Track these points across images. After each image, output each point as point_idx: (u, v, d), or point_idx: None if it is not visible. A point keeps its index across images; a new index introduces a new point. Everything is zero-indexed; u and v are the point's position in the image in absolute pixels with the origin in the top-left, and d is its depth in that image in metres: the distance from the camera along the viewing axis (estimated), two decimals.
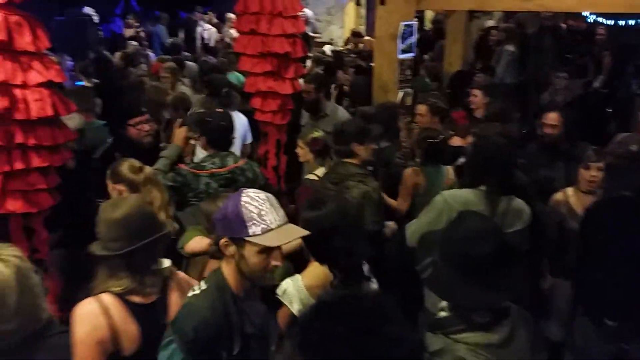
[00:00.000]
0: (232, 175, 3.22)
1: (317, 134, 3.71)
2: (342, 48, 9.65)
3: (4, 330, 1.64)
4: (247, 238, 1.75)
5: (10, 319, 1.64)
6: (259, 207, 1.76)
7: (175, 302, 2.02)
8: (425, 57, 7.73)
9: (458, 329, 1.71)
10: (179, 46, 9.35)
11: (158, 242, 2.05)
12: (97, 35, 10.32)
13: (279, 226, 1.77)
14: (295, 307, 2.20)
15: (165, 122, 4.84)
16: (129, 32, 10.59)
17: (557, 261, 3.43)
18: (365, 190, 3.18)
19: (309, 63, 7.20)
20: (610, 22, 8.97)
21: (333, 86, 5.95)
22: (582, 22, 8.87)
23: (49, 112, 2.67)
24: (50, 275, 2.93)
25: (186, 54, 8.73)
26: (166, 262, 2.12)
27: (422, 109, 4.29)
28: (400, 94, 5.44)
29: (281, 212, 1.81)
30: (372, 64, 6.19)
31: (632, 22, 8.78)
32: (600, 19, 9.21)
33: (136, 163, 2.79)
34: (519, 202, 2.86)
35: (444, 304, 1.83)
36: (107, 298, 1.94)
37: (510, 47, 7.40)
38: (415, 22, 5.33)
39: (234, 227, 1.77)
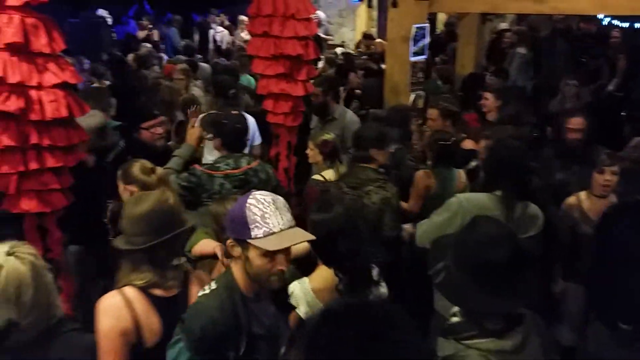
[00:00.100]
0: (245, 176, 3.22)
1: (328, 136, 3.73)
2: (353, 50, 9.66)
3: (20, 324, 1.68)
4: (249, 240, 1.76)
5: (27, 314, 1.69)
6: (263, 210, 1.76)
7: (195, 295, 2.03)
8: (437, 59, 7.70)
9: (470, 335, 1.68)
10: (192, 48, 9.40)
11: (179, 237, 2.09)
12: (111, 37, 10.42)
13: (282, 230, 1.76)
14: (302, 310, 2.20)
15: (177, 123, 4.88)
16: (142, 34, 10.67)
17: (569, 265, 3.40)
18: (385, 197, 3.18)
19: (321, 64, 7.22)
20: (626, 24, 8.88)
21: (342, 88, 5.94)
22: (594, 25, 8.77)
23: (64, 113, 2.70)
24: (63, 275, 2.95)
25: (199, 56, 8.77)
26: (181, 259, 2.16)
27: (433, 113, 4.25)
28: (412, 96, 5.43)
29: (287, 216, 1.80)
30: (383, 66, 6.19)
31: None
32: (615, 22, 9.12)
33: (148, 164, 2.80)
34: (534, 208, 2.83)
35: (455, 309, 1.80)
36: (130, 291, 1.98)
37: (523, 50, 7.36)
38: (427, 25, 5.31)
39: (239, 229, 1.79)
